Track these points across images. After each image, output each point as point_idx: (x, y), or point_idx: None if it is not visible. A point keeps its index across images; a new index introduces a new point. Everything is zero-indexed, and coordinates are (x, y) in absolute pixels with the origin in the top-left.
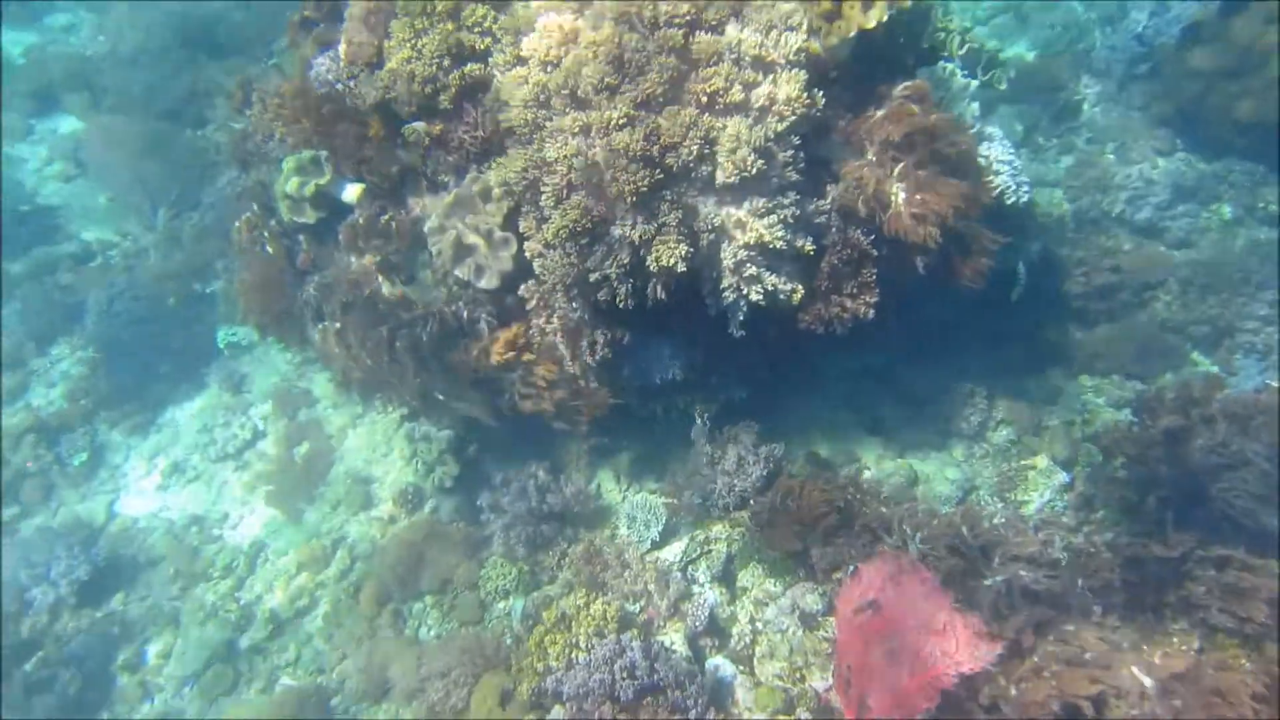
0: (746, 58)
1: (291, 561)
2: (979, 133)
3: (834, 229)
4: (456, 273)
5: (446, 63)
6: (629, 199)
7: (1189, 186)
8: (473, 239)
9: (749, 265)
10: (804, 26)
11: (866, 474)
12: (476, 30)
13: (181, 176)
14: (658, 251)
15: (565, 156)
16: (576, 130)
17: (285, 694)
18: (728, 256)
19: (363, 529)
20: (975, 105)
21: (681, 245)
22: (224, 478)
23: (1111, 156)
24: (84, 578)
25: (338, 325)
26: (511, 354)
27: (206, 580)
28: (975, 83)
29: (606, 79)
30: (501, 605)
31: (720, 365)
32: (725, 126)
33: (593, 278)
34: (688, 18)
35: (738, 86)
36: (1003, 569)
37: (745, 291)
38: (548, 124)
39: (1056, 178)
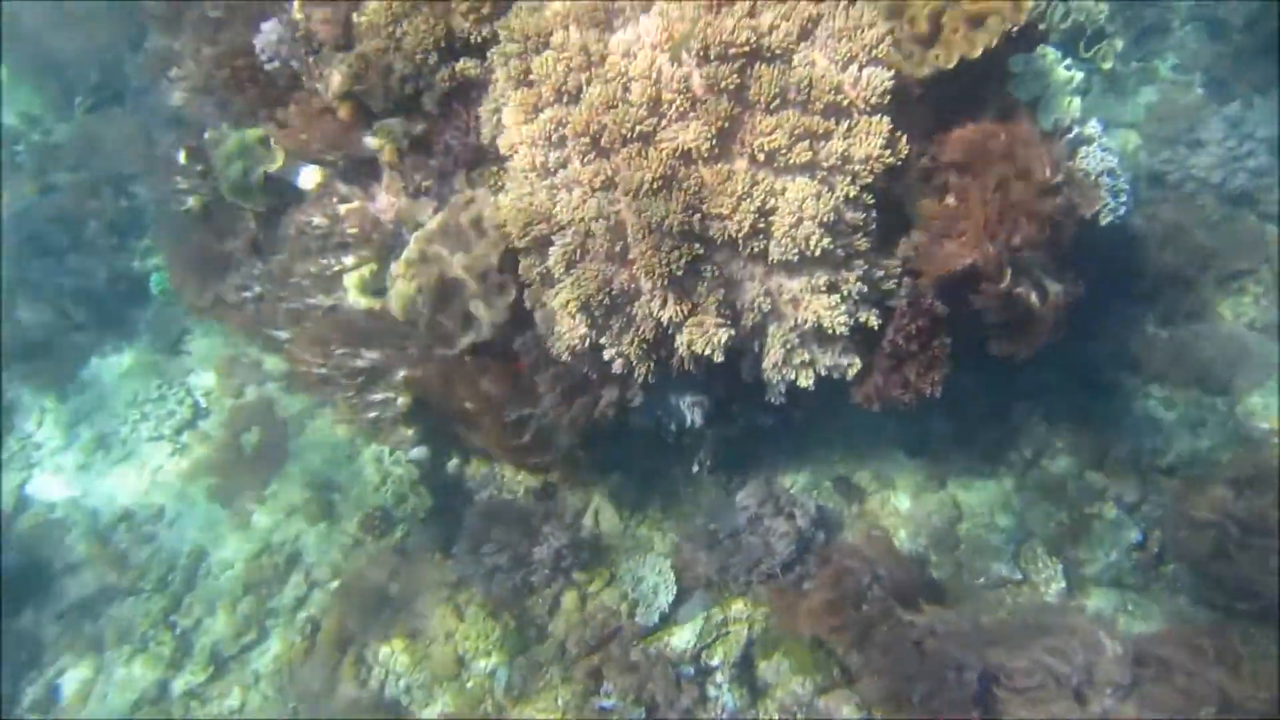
0: (818, 103)
1: (237, 579)
2: (1077, 137)
3: (904, 293)
4: (439, 319)
5: (433, 59)
6: (660, 280)
7: None
8: (461, 277)
9: (801, 351)
10: (890, 55)
11: (903, 507)
12: (472, 17)
13: (101, 55)
14: (690, 336)
15: (582, 219)
16: (598, 185)
17: None
18: (776, 341)
19: (322, 546)
20: (1077, 101)
21: (721, 331)
22: (158, 461)
23: (1200, 91)
24: None
25: (286, 335)
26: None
27: (135, 595)
28: (1079, 75)
29: (639, 126)
30: (483, 664)
31: (744, 392)
32: (785, 191)
33: (607, 355)
34: (747, 48)
35: (803, 145)
36: None
37: (794, 377)
38: (560, 172)
39: (1134, 118)
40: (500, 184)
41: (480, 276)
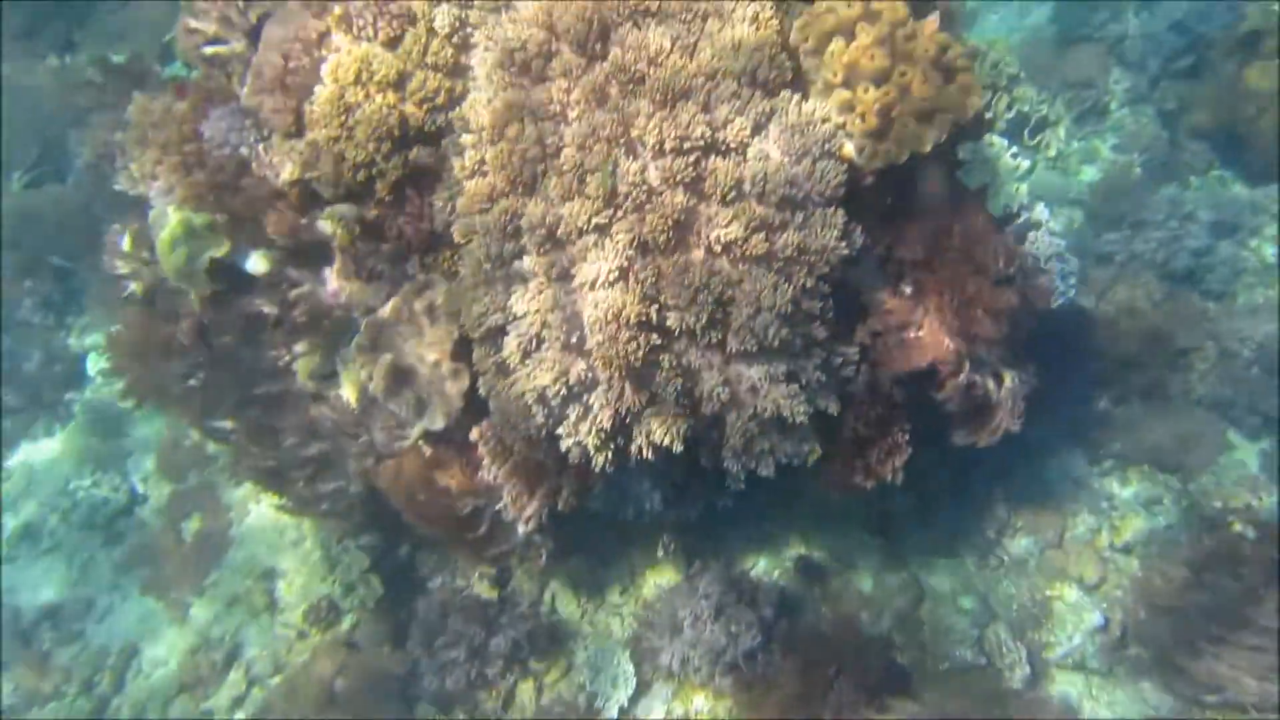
0: (773, 196)
1: (171, 677)
2: (1025, 222)
3: (862, 379)
4: (391, 407)
5: (386, 147)
6: (618, 370)
7: (1228, 222)
8: (414, 364)
9: (761, 440)
10: (844, 147)
11: (865, 588)
12: (426, 107)
13: (43, 127)
14: (649, 426)
15: (538, 310)
16: (554, 276)
17: None
18: (735, 429)
19: (263, 640)
20: (1024, 188)
21: (680, 421)
22: (89, 553)
23: (1139, 171)
24: None
25: (229, 425)
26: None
27: (58, 699)
28: (1025, 163)
29: (596, 218)
30: None
31: (704, 474)
32: (742, 282)
33: (564, 445)
34: (702, 142)
35: (759, 237)
36: None
37: (754, 466)
38: (515, 262)
39: (1078, 195)
40: (455, 269)
41: (433, 365)
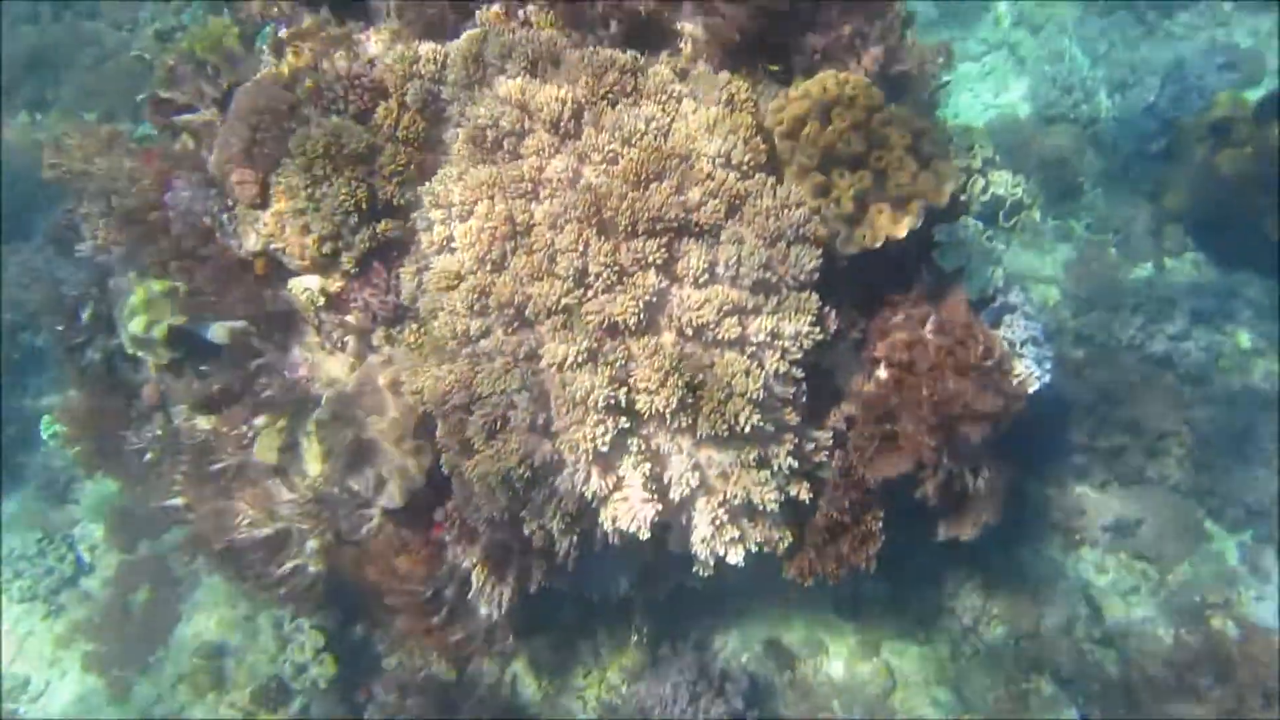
0: (746, 279)
1: None
2: (1001, 306)
3: (836, 464)
4: (351, 483)
5: (353, 220)
6: (585, 455)
7: (1205, 309)
8: (376, 440)
9: (731, 527)
10: (819, 230)
11: (836, 674)
12: (395, 181)
13: (9, 189)
14: (615, 511)
15: (504, 391)
16: (521, 356)
17: None
18: (704, 516)
19: None
20: (1000, 271)
21: (648, 507)
22: (29, 626)
23: (1114, 251)
24: None
25: (183, 503)
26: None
27: None
28: (1001, 247)
29: (565, 299)
30: None
31: (672, 556)
32: (714, 367)
33: (527, 530)
34: (675, 224)
35: (731, 321)
36: None
37: (723, 553)
38: (482, 340)
39: (1053, 273)
40: (420, 342)
41: (396, 440)
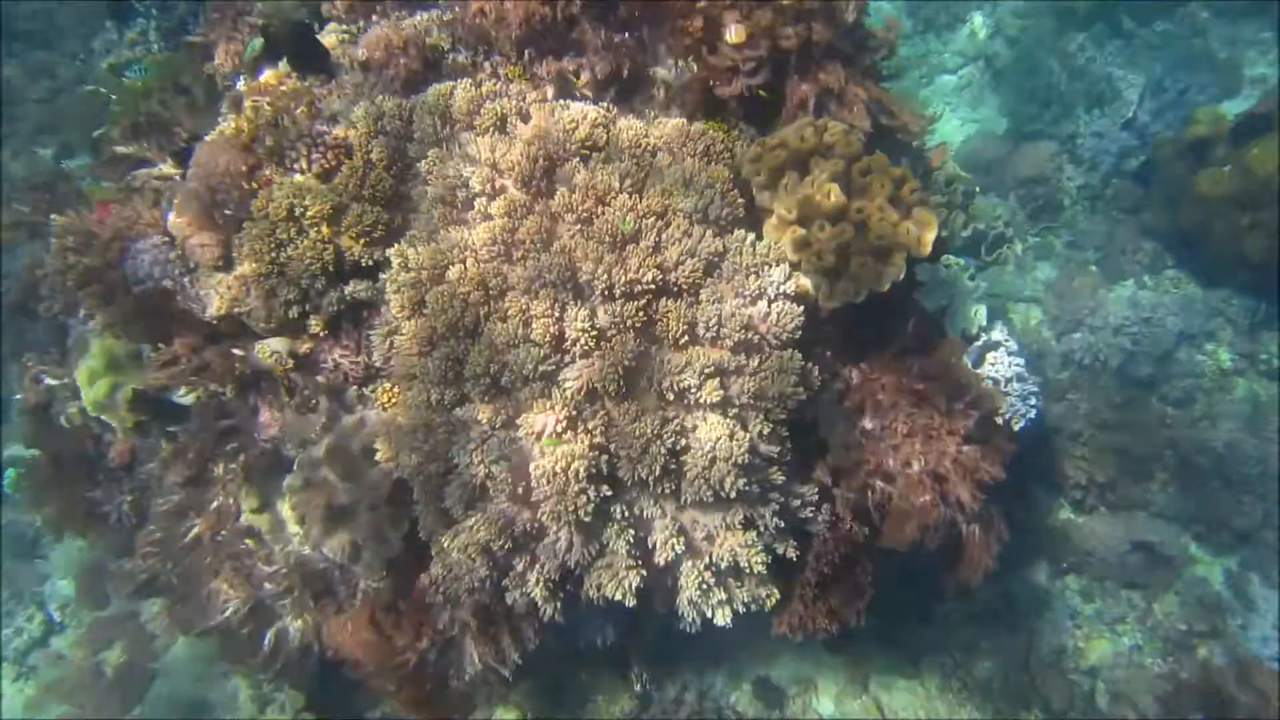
0: (728, 340)
1: None
2: (985, 343)
3: (823, 519)
4: (325, 550)
5: (321, 283)
6: (567, 526)
7: (1187, 329)
8: (351, 505)
9: (718, 589)
10: (801, 281)
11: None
12: (363, 242)
13: None
14: (599, 578)
15: (481, 461)
16: (498, 425)
17: None
18: (690, 579)
19: None
20: (983, 309)
21: (632, 574)
22: None
23: (1094, 269)
24: None
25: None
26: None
27: None
28: (984, 285)
29: (542, 366)
30: None
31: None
32: (696, 429)
33: (509, 598)
34: (653, 286)
35: (713, 383)
36: None
37: (710, 615)
38: (457, 409)
39: (1034, 292)
40: (394, 399)
41: (370, 508)
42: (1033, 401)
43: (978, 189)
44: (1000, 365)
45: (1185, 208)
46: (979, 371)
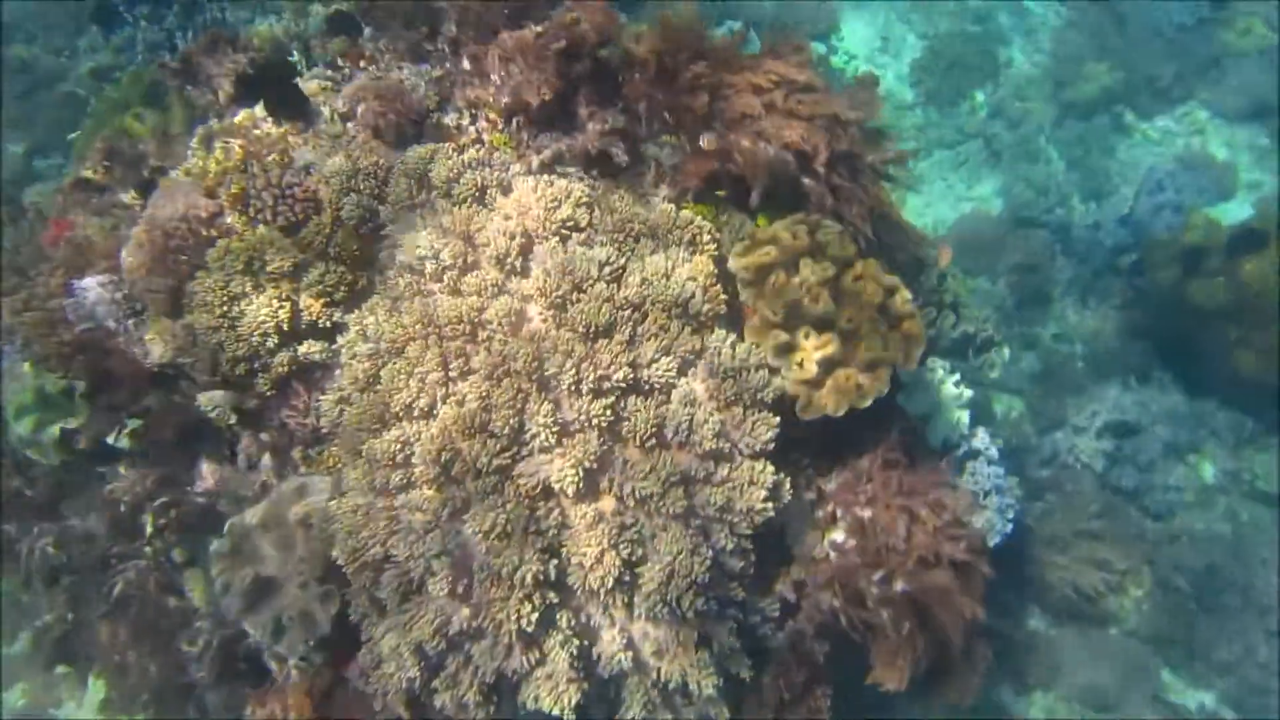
0: (697, 446)
1: None
2: (966, 452)
3: (783, 637)
4: (247, 626)
5: (273, 342)
6: (509, 633)
7: (1170, 439)
8: (280, 579)
9: (664, 710)
10: (777, 390)
11: None
12: (322, 302)
13: None
14: (536, 690)
15: (423, 555)
16: (445, 517)
17: None
18: (636, 697)
19: None
20: (966, 416)
21: (572, 688)
22: None
23: (1080, 365)
24: None
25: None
26: None
27: None
28: (968, 393)
29: (498, 459)
30: None
31: None
32: (656, 541)
33: (439, 702)
34: (623, 384)
35: (677, 492)
36: None
37: None
38: (402, 495)
39: (1018, 384)
40: (339, 464)
41: (302, 584)
42: (1009, 515)
43: (967, 285)
44: (980, 476)
45: (1176, 314)
46: (958, 482)
